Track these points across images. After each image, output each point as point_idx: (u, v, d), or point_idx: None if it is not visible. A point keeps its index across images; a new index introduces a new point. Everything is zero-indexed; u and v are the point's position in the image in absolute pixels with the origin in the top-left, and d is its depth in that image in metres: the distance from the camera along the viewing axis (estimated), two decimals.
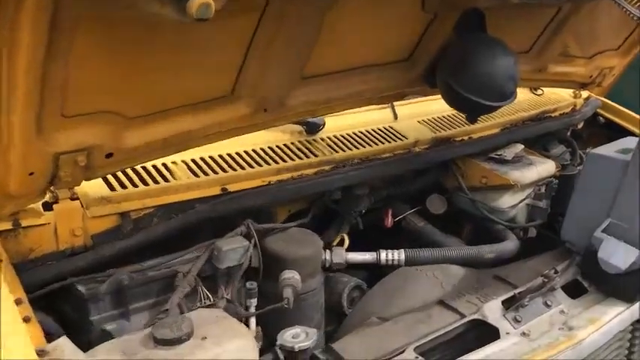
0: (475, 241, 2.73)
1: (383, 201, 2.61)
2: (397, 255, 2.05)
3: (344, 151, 2.35)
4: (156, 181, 1.94)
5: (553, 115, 3.17)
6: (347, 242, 2.26)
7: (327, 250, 2.05)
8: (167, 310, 1.68)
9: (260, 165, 2.13)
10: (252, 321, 1.79)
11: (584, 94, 3.38)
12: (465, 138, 2.73)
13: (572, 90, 3.32)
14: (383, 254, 2.05)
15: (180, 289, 1.74)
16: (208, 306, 1.80)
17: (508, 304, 2.21)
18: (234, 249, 1.82)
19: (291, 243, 2.01)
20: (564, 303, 2.29)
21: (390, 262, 2.05)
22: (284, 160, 2.19)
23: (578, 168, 2.81)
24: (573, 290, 2.40)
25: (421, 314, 2.19)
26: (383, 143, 2.48)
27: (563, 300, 2.31)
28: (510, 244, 2.33)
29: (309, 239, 2.05)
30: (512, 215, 2.64)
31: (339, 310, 2.42)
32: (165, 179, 1.96)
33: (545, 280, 2.18)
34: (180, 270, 1.80)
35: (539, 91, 3.28)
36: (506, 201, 2.58)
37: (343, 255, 2.04)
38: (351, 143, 2.41)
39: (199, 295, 1.80)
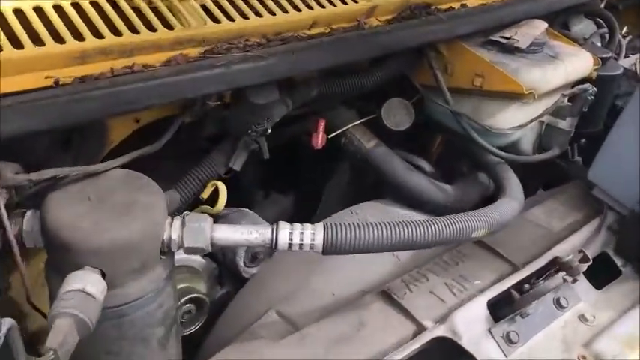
0: (450, 170, 1.78)
1: (311, 104, 1.59)
2: (310, 236, 1.06)
3: (232, 19, 1.26)
4: None
5: None
6: (223, 198, 1.24)
7: (175, 221, 1.06)
8: None
9: (40, 43, 1.04)
10: None
11: None
12: (455, 6, 1.64)
13: None
14: (284, 232, 1.06)
15: None
16: None
17: (499, 309, 1.31)
18: None
19: (98, 209, 1.00)
20: (585, 299, 1.41)
21: (294, 248, 1.08)
22: (100, 36, 1.10)
23: (622, 66, 1.79)
24: (599, 269, 1.51)
25: (348, 319, 1.28)
26: (312, 8, 1.39)
27: (584, 292, 1.42)
28: (514, 205, 1.36)
29: (137, 198, 1.04)
30: (515, 139, 1.65)
31: (235, 270, 1.51)
32: None
33: (566, 276, 1.27)
34: None
35: None
36: (511, 117, 1.57)
37: (206, 232, 1.05)
38: (247, 3, 1.31)
39: None
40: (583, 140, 1.84)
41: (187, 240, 1.04)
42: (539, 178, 1.93)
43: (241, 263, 1.53)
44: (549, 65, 1.55)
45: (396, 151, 1.79)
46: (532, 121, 1.56)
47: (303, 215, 1.95)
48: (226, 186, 1.95)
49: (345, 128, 1.63)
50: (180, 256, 1.52)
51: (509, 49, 1.58)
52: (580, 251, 1.29)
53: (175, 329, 1.19)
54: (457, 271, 1.42)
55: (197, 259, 1.54)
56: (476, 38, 1.64)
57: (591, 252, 1.49)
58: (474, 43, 1.62)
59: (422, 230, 1.12)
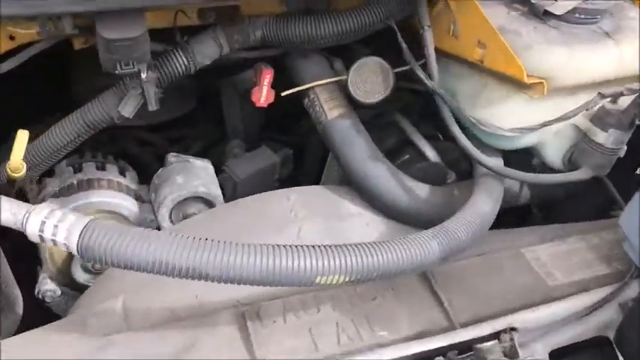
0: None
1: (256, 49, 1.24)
2: (64, 233, 0.75)
3: None
4: None
5: None
6: (19, 149, 0.91)
7: None
8: None
9: None
10: None
11: None
12: None
13: None
14: (35, 220, 0.73)
15: None
16: None
17: None
18: None
19: None
20: None
21: (47, 242, 0.78)
22: None
23: None
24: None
25: (179, 338, 0.98)
26: None
27: None
28: (430, 246, 0.90)
29: None
30: (531, 144, 1.15)
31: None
32: None
33: None
34: None
35: None
36: (513, 114, 1.08)
37: None
38: None
39: None
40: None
41: None
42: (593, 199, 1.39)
43: (166, 220, 1.32)
44: (587, 46, 1.01)
45: (399, 122, 1.38)
46: (544, 125, 1.05)
47: (302, 175, 1.64)
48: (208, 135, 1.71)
49: (301, 87, 1.25)
50: (106, 199, 1.35)
51: (537, 12, 1.06)
52: (511, 338, 0.84)
53: None
54: (365, 310, 1.04)
55: (126, 205, 1.35)
56: None
57: (577, 333, 1.01)
58: None
59: (224, 259, 0.77)
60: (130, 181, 1.42)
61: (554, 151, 1.16)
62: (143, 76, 1.03)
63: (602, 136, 1.08)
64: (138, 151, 1.64)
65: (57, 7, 0.85)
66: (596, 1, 1.05)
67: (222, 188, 1.45)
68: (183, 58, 1.16)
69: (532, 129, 1.06)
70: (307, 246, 0.81)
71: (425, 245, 0.89)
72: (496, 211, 1.07)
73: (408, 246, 0.87)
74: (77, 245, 0.77)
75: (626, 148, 1.11)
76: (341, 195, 1.26)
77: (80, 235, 0.77)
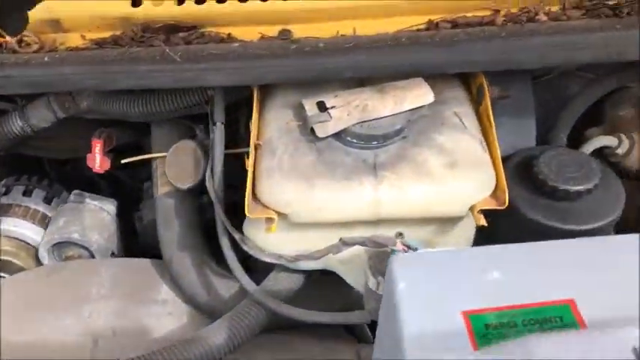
0: None
1: None
2: None
3: None
4: None
5: None
6: None
7: None
8: None
9: None
10: None
11: None
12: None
13: None
14: None
15: None
16: None
17: None
18: None
19: None
20: None
21: None
22: None
23: None
24: None
25: None
26: None
27: None
28: None
29: None
30: (320, 268, 1.00)
31: None
32: None
33: None
34: None
35: None
36: (274, 240, 0.94)
37: None
38: None
39: None
40: None
41: None
42: None
43: (45, 260, 1.39)
44: (331, 182, 0.84)
45: None
46: (296, 259, 0.91)
47: None
48: None
49: (136, 158, 1.22)
50: (13, 227, 1.45)
51: (308, 128, 0.91)
52: None
53: None
54: None
55: (30, 235, 1.44)
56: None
57: None
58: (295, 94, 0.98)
59: None
60: (53, 208, 1.49)
61: (352, 280, 1.00)
62: None
63: (372, 281, 0.90)
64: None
65: None
66: (378, 123, 0.87)
67: (136, 228, 1.47)
68: (19, 122, 1.20)
69: (287, 260, 0.92)
70: None
71: None
72: (234, 344, 0.95)
73: None
74: None
75: None
76: (163, 275, 1.21)
77: None
